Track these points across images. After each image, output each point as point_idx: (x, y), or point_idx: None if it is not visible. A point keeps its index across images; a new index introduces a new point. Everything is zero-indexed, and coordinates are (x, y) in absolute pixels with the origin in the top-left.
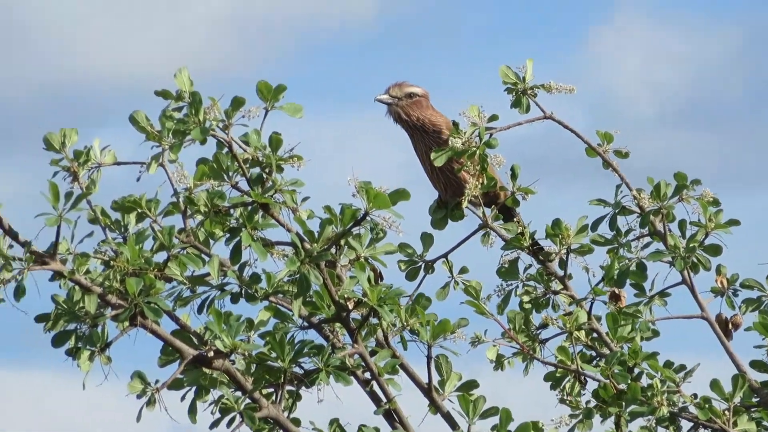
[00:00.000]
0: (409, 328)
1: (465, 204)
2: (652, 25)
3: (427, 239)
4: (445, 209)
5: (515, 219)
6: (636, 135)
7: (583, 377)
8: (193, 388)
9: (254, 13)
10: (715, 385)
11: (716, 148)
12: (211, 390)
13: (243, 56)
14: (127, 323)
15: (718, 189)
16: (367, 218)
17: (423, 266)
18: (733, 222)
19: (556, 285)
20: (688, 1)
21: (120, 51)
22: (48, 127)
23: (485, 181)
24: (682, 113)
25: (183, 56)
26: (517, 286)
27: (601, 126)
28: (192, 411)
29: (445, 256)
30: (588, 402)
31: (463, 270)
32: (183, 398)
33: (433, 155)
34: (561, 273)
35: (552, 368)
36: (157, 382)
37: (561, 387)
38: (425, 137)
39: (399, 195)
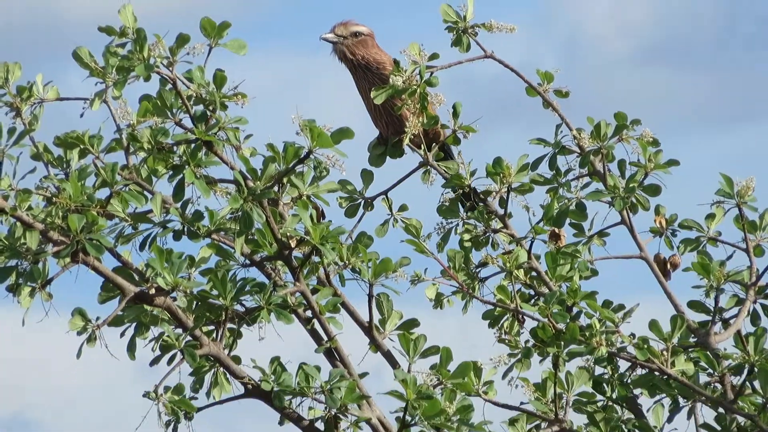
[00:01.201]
0: (350, 266)
1: (406, 142)
2: None
3: (367, 176)
4: (385, 146)
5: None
6: (606, 74)
7: (521, 316)
8: (133, 325)
9: None
10: (653, 325)
11: (684, 88)
12: (151, 327)
13: None
14: (68, 260)
15: (676, 129)
16: (311, 156)
17: (362, 203)
18: (673, 162)
19: (496, 223)
20: None
21: None
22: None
23: (425, 120)
24: (653, 51)
25: None
26: (457, 225)
27: (571, 66)
28: (131, 348)
29: (385, 193)
30: (527, 341)
31: (403, 208)
32: (122, 335)
33: (373, 93)
34: (501, 211)
35: (490, 307)
36: (97, 319)
37: (499, 326)
38: (368, 75)
39: (342, 134)
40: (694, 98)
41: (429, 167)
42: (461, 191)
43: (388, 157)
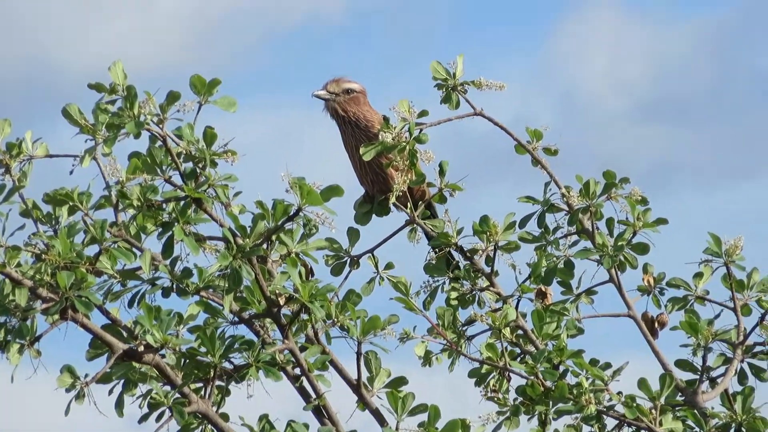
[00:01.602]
0: (339, 324)
1: (392, 200)
2: (620, 17)
3: (353, 234)
4: (371, 204)
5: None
6: (602, 130)
7: (508, 374)
8: (121, 382)
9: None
10: (642, 383)
11: (679, 145)
12: (139, 384)
13: (206, 50)
14: (57, 317)
15: (671, 186)
16: (300, 214)
17: (349, 261)
18: (661, 221)
19: (482, 282)
20: None
21: (84, 45)
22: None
23: (414, 177)
24: (648, 108)
25: (147, 50)
26: (444, 282)
27: (567, 122)
28: (119, 405)
29: (371, 251)
30: (515, 399)
31: (389, 266)
32: (110, 392)
33: (362, 149)
34: (488, 270)
35: (477, 365)
36: (86, 376)
37: (485, 384)
38: (356, 132)
39: (332, 191)
40: (689, 156)
41: (415, 225)
42: (448, 250)
43: (374, 215)
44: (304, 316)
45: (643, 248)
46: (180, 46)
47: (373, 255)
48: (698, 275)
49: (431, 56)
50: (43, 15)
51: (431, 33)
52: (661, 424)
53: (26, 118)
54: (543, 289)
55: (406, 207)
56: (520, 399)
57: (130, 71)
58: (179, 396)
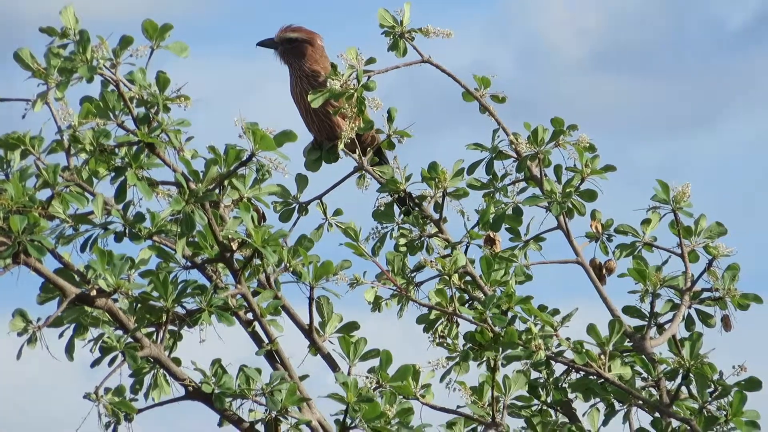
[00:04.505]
0: (291, 269)
1: (341, 147)
2: None
3: (301, 181)
4: (320, 151)
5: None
6: (559, 78)
7: (456, 320)
8: (72, 326)
9: None
10: (591, 329)
11: (634, 93)
12: (91, 329)
13: None
14: (9, 261)
15: (617, 134)
16: (253, 159)
17: (297, 208)
18: (609, 168)
19: (431, 228)
20: None
21: None
22: None
23: (362, 124)
24: (606, 56)
25: None
26: (393, 229)
27: (526, 67)
28: (70, 349)
29: (320, 197)
30: (464, 345)
31: (338, 212)
32: (61, 336)
33: (310, 97)
34: (436, 216)
35: (425, 311)
36: (38, 320)
37: (434, 330)
38: (302, 81)
39: (285, 136)
40: (642, 104)
41: (364, 172)
42: (396, 196)
43: (324, 162)
44: (257, 261)
45: (590, 195)
46: None
47: (321, 201)
48: (646, 222)
49: (385, 3)
50: None
51: None
52: (609, 370)
53: None
54: (492, 235)
55: (355, 153)
56: (469, 345)
57: (81, 15)
58: (131, 340)
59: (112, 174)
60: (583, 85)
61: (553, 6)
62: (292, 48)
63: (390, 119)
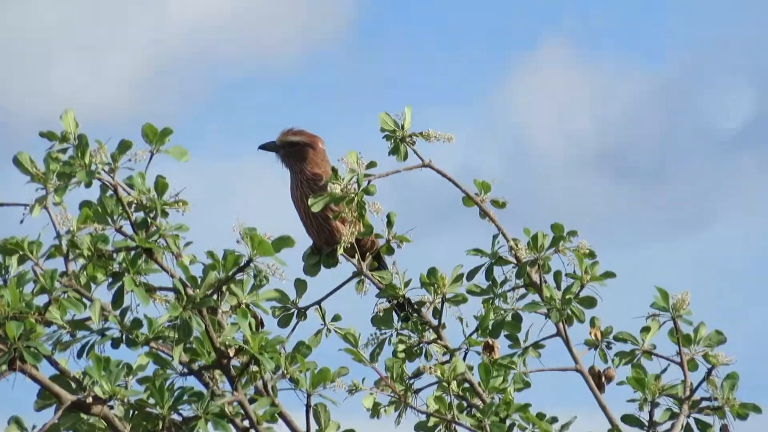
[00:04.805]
0: (288, 376)
1: (340, 251)
2: (567, 69)
3: (300, 285)
4: (319, 255)
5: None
6: (546, 182)
7: (455, 427)
8: None
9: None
10: None
11: (625, 198)
12: None
13: (165, 97)
14: (5, 367)
15: (609, 240)
16: (251, 265)
17: (296, 313)
18: (609, 274)
19: (430, 334)
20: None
21: (36, 92)
22: None
23: (362, 229)
24: (593, 162)
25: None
26: (392, 335)
27: (514, 170)
28: None
29: (319, 303)
30: None
31: (336, 317)
32: None
33: (310, 201)
34: (435, 322)
35: (424, 417)
36: (34, 427)
37: None
38: (302, 185)
39: (283, 242)
40: (634, 209)
41: (363, 277)
42: (395, 301)
43: (322, 267)
44: (254, 368)
45: (590, 302)
46: (133, 94)
47: (320, 306)
48: (645, 329)
49: (382, 107)
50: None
51: (382, 81)
52: None
53: None
54: (490, 342)
55: (354, 258)
56: None
57: (81, 119)
58: None
59: (110, 279)
60: (571, 188)
61: (543, 108)
62: (294, 152)
63: (389, 224)
